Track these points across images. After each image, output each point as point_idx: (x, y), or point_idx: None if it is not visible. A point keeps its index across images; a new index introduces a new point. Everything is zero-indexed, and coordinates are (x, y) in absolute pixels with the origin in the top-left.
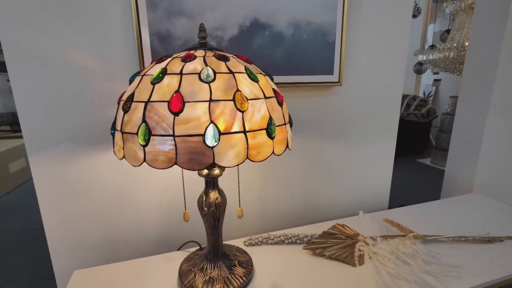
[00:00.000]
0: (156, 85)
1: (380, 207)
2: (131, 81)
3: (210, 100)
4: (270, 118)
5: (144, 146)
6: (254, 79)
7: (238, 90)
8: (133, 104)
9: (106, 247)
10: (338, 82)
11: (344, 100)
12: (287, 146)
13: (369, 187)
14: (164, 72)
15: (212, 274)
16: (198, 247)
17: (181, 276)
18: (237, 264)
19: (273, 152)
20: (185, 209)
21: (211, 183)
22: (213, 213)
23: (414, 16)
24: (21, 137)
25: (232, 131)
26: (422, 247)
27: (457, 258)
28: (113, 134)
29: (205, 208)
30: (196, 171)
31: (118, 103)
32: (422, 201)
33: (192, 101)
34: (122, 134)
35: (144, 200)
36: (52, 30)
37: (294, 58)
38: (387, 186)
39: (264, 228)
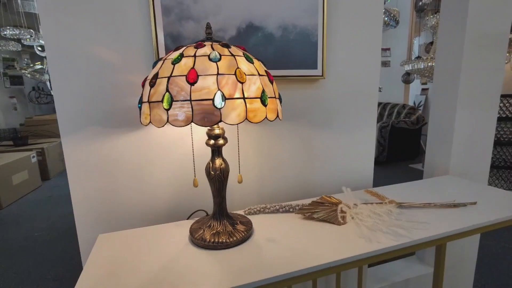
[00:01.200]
0: (176, 65)
1: (365, 186)
2: (154, 66)
3: (218, 74)
4: (263, 90)
5: (167, 110)
6: (250, 61)
7: (238, 67)
8: (158, 80)
9: (124, 218)
10: (322, 75)
11: (328, 91)
12: (278, 116)
13: (354, 169)
14: (181, 55)
15: (218, 229)
16: (206, 215)
17: (192, 232)
18: (239, 223)
19: (266, 117)
20: (195, 176)
21: (217, 151)
22: (218, 177)
23: (393, 26)
24: (23, 150)
25: (234, 97)
26: (396, 210)
27: (425, 218)
28: (140, 107)
29: (212, 172)
30: (205, 142)
31: (143, 85)
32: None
33: (204, 75)
34: (149, 104)
35: (158, 177)
36: (84, 32)
37: (283, 55)
38: (370, 169)
39: (261, 202)
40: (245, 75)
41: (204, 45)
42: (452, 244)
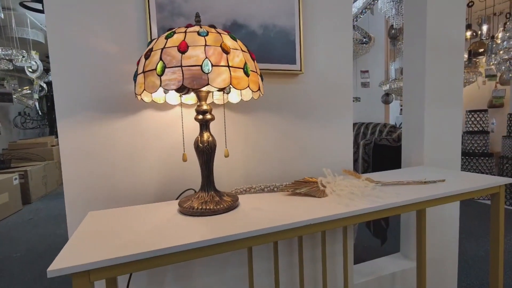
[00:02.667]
0: (169, 39)
1: None
2: (148, 44)
3: (205, 45)
4: (246, 63)
5: (160, 76)
6: (233, 39)
7: (223, 41)
8: (152, 52)
9: (116, 200)
10: (300, 70)
11: (307, 85)
12: (260, 89)
13: (334, 158)
14: (174, 32)
15: (206, 199)
16: (194, 192)
17: (181, 203)
18: (225, 195)
19: (249, 86)
20: (184, 151)
21: (205, 126)
22: (206, 149)
23: (365, 42)
24: (5, 173)
25: (220, 64)
26: (372, 185)
27: (398, 191)
28: (135, 80)
29: (200, 145)
30: (194, 118)
31: (138, 63)
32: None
33: (193, 45)
34: (143, 74)
35: (150, 161)
36: (85, 24)
37: (265, 51)
38: (349, 155)
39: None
40: (230, 48)
41: (194, 26)
42: (432, 238)
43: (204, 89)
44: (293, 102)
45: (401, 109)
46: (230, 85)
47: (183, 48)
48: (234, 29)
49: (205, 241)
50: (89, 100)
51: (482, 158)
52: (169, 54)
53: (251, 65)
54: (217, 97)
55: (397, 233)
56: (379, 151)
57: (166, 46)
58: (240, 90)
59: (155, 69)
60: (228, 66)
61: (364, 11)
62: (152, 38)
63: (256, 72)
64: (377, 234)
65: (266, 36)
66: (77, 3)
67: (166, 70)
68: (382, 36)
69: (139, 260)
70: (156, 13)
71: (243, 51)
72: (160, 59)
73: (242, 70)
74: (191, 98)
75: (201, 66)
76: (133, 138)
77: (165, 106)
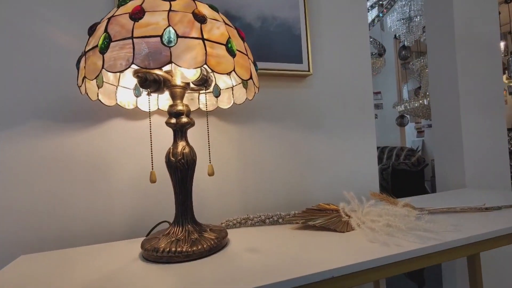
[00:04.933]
0: (121, 7)
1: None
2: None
3: (170, 10)
4: (230, 38)
5: (103, 53)
6: (214, 9)
7: (197, 8)
8: (98, 25)
9: (69, 238)
10: (308, 71)
11: (317, 89)
12: (251, 78)
13: (354, 175)
14: (129, 0)
15: (178, 236)
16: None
17: (143, 243)
18: (208, 230)
19: (234, 70)
20: (152, 168)
21: (179, 132)
22: (181, 164)
23: (380, 54)
24: None
25: (191, 36)
26: (414, 212)
27: (453, 221)
28: (78, 67)
29: (172, 158)
30: (165, 122)
31: None
32: None
33: (152, 11)
34: (85, 54)
35: (115, 184)
36: (36, 9)
37: (264, 47)
38: (374, 174)
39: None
40: (207, 17)
41: None
42: (487, 282)
43: (179, 83)
44: (301, 109)
45: (417, 132)
46: (206, 66)
47: (136, 14)
48: None
49: None
50: (38, 105)
51: None
52: (117, 23)
53: (239, 45)
54: (204, 102)
55: (438, 274)
56: (398, 176)
57: (115, 14)
58: (222, 74)
59: (97, 45)
60: (203, 39)
61: (374, 22)
62: None
63: (247, 55)
64: (412, 275)
65: (264, 30)
66: None
67: (112, 44)
68: (393, 56)
69: None
70: None
71: (226, 24)
72: (105, 30)
73: (224, 47)
74: (169, 102)
75: (161, 36)
76: (95, 155)
77: (138, 114)
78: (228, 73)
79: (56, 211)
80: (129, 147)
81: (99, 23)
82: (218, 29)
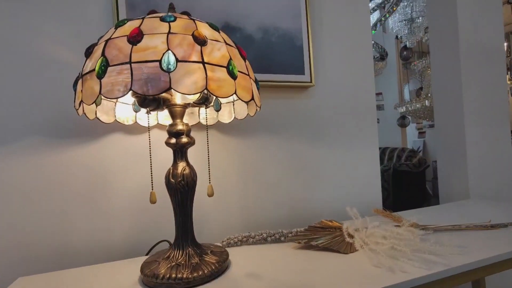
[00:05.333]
0: (119, 28)
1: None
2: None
3: (169, 33)
4: (231, 59)
5: (100, 78)
6: (215, 28)
7: (197, 29)
8: (96, 47)
9: (67, 258)
10: (311, 82)
11: (319, 100)
12: (253, 99)
13: (356, 188)
14: (128, 19)
15: (179, 261)
16: (169, 246)
17: (143, 268)
18: (209, 253)
19: (236, 93)
20: (152, 188)
21: (179, 153)
22: (181, 186)
23: (382, 58)
24: None
25: (191, 60)
26: (419, 232)
27: (459, 241)
28: (75, 89)
29: (172, 180)
30: (165, 142)
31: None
32: None
33: (151, 33)
34: (81, 78)
35: (114, 202)
36: (33, 23)
37: (265, 58)
38: (376, 187)
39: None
40: (207, 38)
41: (158, 12)
42: None
43: (179, 102)
44: (302, 121)
45: (419, 133)
46: (207, 91)
47: (134, 37)
48: (226, 33)
49: None
50: (35, 121)
51: None
52: (115, 47)
53: (240, 64)
54: (204, 116)
55: None
56: (399, 178)
57: (112, 37)
58: (223, 98)
59: (94, 69)
60: (203, 62)
61: (377, 25)
62: None
63: (248, 75)
64: None
65: (266, 41)
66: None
67: (109, 69)
68: (394, 57)
69: None
70: (127, 14)
71: (227, 44)
72: (102, 54)
73: (225, 69)
74: (169, 117)
75: (160, 61)
76: (93, 171)
77: (138, 128)
78: (228, 95)
79: (55, 229)
80: (129, 163)
81: (96, 44)
82: (219, 50)
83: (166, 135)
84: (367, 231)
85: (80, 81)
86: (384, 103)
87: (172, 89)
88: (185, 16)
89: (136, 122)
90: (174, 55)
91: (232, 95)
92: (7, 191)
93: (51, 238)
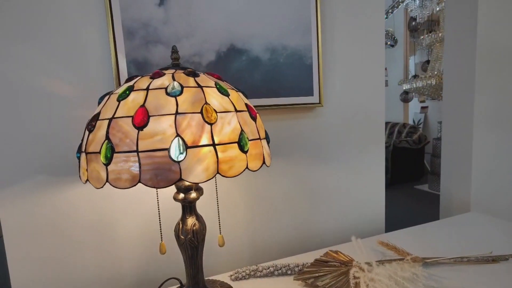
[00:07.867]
0: (122, 102)
1: (376, 232)
2: (99, 102)
3: (177, 113)
4: (242, 131)
5: (106, 165)
6: (224, 93)
7: (206, 103)
8: (98, 122)
9: None
10: (319, 103)
11: (327, 121)
12: (264, 162)
13: (361, 212)
14: (130, 89)
15: None
16: (179, 285)
17: None
18: None
19: (247, 167)
20: (161, 240)
21: (188, 208)
22: (190, 242)
23: (391, 45)
24: None
25: (200, 144)
26: (422, 271)
27: (461, 281)
28: (78, 158)
29: (182, 236)
30: (172, 197)
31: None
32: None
33: (158, 115)
34: (86, 155)
35: (121, 236)
36: (30, 60)
37: (272, 81)
38: (381, 211)
39: (253, 260)
40: (216, 112)
41: (163, 74)
42: None
43: None
44: (309, 143)
45: (421, 107)
46: (218, 174)
47: (140, 122)
48: (232, 56)
49: None
50: (40, 159)
51: None
52: (120, 129)
53: (251, 130)
54: None
55: None
56: (399, 154)
57: (116, 115)
58: (233, 177)
59: (100, 152)
60: (213, 145)
61: (388, 14)
62: (120, 74)
63: (259, 137)
64: None
65: (273, 62)
66: (17, 32)
67: (115, 155)
68: (401, 29)
69: None
70: (125, 42)
71: (238, 111)
72: (107, 137)
73: (236, 145)
74: None
75: (168, 150)
76: (101, 207)
77: None
78: (239, 174)
79: (64, 269)
80: (137, 195)
81: (98, 116)
82: (229, 124)
83: (173, 196)
84: (372, 272)
85: (84, 157)
86: (388, 79)
87: (182, 180)
88: (192, 79)
89: None
90: (183, 140)
91: (243, 171)
92: (23, 231)
93: (62, 273)
